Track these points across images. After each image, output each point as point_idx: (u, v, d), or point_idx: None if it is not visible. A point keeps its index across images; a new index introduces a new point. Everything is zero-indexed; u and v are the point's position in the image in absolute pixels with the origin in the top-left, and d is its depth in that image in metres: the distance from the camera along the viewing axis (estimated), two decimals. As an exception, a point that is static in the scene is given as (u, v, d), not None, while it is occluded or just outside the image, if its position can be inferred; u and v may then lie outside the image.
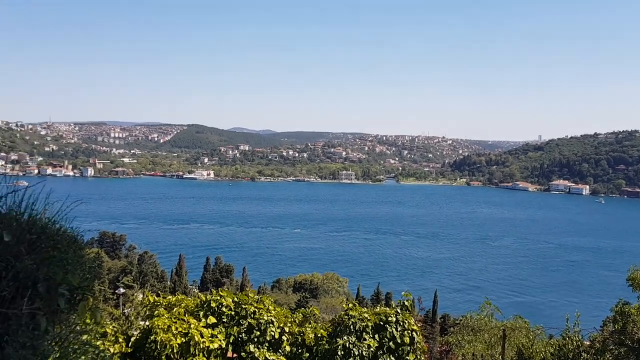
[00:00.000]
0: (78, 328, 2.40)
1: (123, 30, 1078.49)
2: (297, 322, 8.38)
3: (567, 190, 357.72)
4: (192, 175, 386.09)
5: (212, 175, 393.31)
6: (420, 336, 8.31)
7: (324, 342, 7.96)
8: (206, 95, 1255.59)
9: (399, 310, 8.33)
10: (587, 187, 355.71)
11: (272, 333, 7.78)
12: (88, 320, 2.44)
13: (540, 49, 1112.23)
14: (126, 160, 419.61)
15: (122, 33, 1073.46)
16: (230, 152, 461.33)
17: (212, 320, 7.73)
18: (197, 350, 7.25)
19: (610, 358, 12.26)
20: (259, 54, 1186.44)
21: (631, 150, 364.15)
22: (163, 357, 7.10)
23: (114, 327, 7.75)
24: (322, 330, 8.17)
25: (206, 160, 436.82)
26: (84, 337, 2.84)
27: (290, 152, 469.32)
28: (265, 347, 7.69)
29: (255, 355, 7.53)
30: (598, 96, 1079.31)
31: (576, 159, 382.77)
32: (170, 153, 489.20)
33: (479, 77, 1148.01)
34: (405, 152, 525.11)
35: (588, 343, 13.54)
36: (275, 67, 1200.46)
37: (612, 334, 13.04)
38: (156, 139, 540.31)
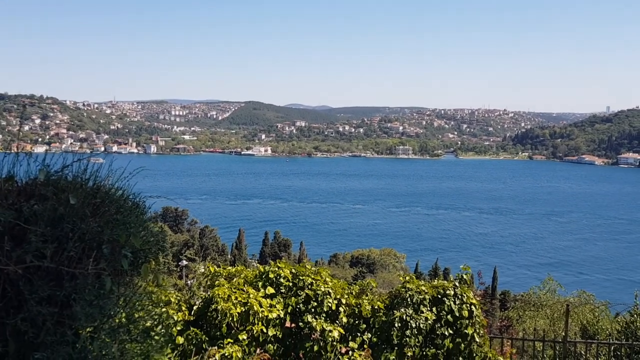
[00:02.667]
0: (141, 290, 2.48)
1: (180, 11, 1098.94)
2: (354, 294, 8.42)
3: (637, 163, 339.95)
4: (250, 152, 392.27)
5: (269, 151, 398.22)
6: (479, 310, 8.18)
7: (380, 314, 7.98)
8: (263, 71, 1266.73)
9: (457, 284, 8.21)
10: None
11: (329, 304, 7.85)
12: (150, 283, 2.53)
13: (608, 9, 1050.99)
14: (186, 137, 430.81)
15: (179, 14, 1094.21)
16: (287, 128, 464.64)
17: (270, 290, 7.88)
18: (256, 319, 7.43)
19: (683, 337, 11.68)
20: (314, 29, 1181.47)
21: None
22: (224, 325, 7.31)
23: (177, 296, 8.03)
24: (379, 303, 8.18)
25: (263, 136, 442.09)
26: (148, 303, 2.95)
27: (347, 128, 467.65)
28: (323, 318, 7.77)
29: (313, 325, 7.63)
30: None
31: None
32: (228, 130, 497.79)
33: (541, 44, 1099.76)
34: (465, 126, 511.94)
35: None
36: (330, 42, 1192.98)
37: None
38: (215, 116, 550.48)
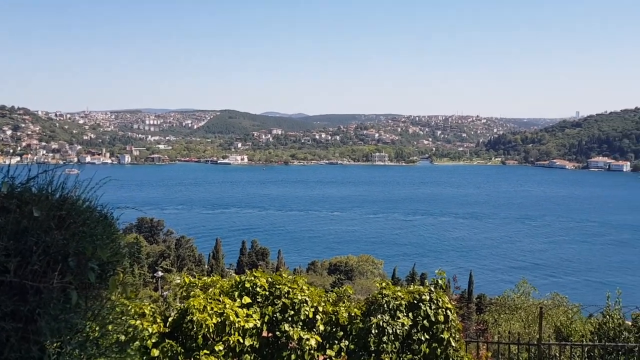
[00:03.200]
0: (109, 303, 2.44)
1: (151, 20, 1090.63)
2: (331, 301, 8.42)
3: (607, 167, 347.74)
4: (226, 161, 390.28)
5: (245, 160, 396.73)
6: (455, 314, 8.24)
7: (357, 321, 7.99)
8: (238, 80, 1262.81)
9: (432, 289, 8.27)
10: (628, 163, 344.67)
11: (306, 312, 7.84)
12: (119, 296, 2.49)
13: (575, 20, 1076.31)
14: (161, 146, 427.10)
15: (151, 23, 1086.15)
16: (263, 136, 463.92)
17: (246, 300, 7.83)
18: (232, 330, 7.37)
19: (654, 337, 11.94)
20: (290, 37, 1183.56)
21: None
22: (200, 336, 7.24)
23: (152, 308, 7.93)
24: (356, 310, 8.19)
25: (239, 145, 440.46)
26: (124, 317, 2.89)
27: (323, 135, 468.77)
28: (299, 326, 7.75)
29: (290, 334, 7.60)
30: (638, 69, 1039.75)
31: (616, 134, 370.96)
32: (204, 139, 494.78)
33: (511, 51, 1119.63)
34: (439, 132, 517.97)
35: (630, 322, 13.23)
36: (305, 50, 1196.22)
37: (656, 312, 12.70)
38: (190, 125, 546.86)
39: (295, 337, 7.58)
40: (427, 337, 7.89)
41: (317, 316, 7.94)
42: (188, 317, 7.33)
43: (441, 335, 7.88)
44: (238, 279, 8.28)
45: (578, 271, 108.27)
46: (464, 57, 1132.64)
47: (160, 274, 59.02)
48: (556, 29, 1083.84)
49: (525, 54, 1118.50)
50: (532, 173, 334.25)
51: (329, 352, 7.73)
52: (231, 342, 7.32)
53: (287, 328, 7.66)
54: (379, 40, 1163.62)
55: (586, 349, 10.05)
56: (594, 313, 14.12)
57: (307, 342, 7.56)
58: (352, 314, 8.08)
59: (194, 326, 7.23)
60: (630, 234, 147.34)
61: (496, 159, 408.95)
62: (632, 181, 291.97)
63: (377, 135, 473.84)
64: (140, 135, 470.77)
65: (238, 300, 7.79)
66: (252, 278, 8.13)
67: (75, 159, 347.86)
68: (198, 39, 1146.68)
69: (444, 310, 8.02)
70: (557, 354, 10.16)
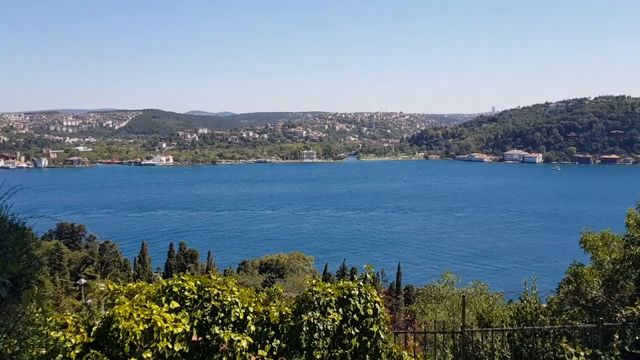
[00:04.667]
0: (25, 317, 2.34)
1: (68, 14, 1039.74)
2: (261, 301, 8.39)
3: (521, 159, 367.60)
4: (150, 161, 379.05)
5: (171, 160, 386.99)
6: (383, 307, 8.45)
7: (289, 319, 8.02)
8: (160, 78, 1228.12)
9: (361, 284, 8.43)
10: (540, 155, 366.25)
11: (237, 314, 7.78)
12: (34, 309, 2.38)
13: (487, 21, 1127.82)
14: (81, 148, 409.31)
15: (67, 17, 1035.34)
16: (189, 136, 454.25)
17: (174, 305, 7.67)
18: (160, 336, 7.19)
19: (566, 318, 12.77)
20: (213, 35, 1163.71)
21: (581, 118, 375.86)
22: (126, 345, 7.02)
23: (74, 317, 7.61)
24: (286, 308, 8.22)
25: (164, 145, 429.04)
26: (41, 329, 2.78)
27: (251, 134, 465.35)
28: (230, 328, 7.69)
29: (221, 336, 7.52)
30: (548, 66, 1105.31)
31: (529, 128, 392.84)
32: (126, 139, 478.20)
33: (432, 52, 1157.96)
34: (365, 129, 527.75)
35: (545, 305, 14.08)
36: (230, 49, 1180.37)
37: (567, 295, 13.59)
38: (111, 125, 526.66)
39: (226, 340, 7.51)
40: (357, 331, 8.03)
41: (248, 317, 7.90)
42: (113, 326, 7.09)
43: (370, 329, 8.04)
44: (165, 284, 8.09)
45: (499, 259, 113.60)
46: (386, 55, 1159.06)
47: (83, 281, 56.65)
48: (471, 29, 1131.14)
49: (444, 52, 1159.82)
50: (454, 166, 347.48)
51: (260, 352, 7.72)
52: (160, 348, 7.14)
53: (217, 331, 7.57)
54: (305, 38, 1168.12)
55: (506, 334, 10.59)
56: (514, 298, 14.90)
57: (239, 344, 7.51)
58: (283, 313, 8.10)
59: (120, 334, 7.01)
60: (545, 221, 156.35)
61: (420, 154, 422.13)
62: (545, 172, 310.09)
63: (304, 133, 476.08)
64: (57, 137, 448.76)
65: (166, 305, 7.61)
66: (180, 282, 7.97)
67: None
68: (118, 37, 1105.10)
69: (372, 303, 8.19)
70: (480, 340, 10.63)
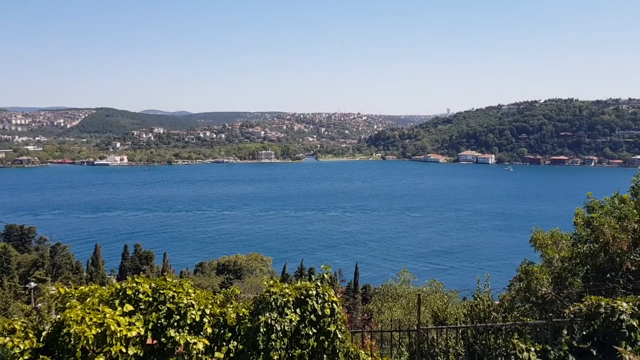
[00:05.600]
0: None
1: (14, 10, 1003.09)
2: (218, 303, 8.31)
3: (475, 160, 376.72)
4: (104, 161, 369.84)
5: (125, 160, 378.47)
6: (341, 307, 8.49)
7: (246, 320, 7.97)
8: (115, 76, 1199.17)
9: (318, 284, 8.45)
10: (493, 156, 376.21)
11: (193, 316, 7.67)
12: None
13: (448, 24, 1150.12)
14: (31, 148, 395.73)
15: (13, 13, 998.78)
16: (144, 135, 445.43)
17: (128, 308, 7.50)
18: (114, 340, 7.03)
19: (518, 314, 13.16)
20: (169, 33, 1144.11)
21: (532, 120, 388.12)
22: (78, 349, 6.83)
23: (23, 322, 7.35)
24: (244, 310, 8.16)
25: (118, 145, 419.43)
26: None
27: (208, 134, 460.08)
28: (186, 331, 7.58)
29: (176, 339, 7.41)
30: (501, 69, 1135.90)
31: (482, 129, 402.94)
32: (79, 139, 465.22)
33: (388, 54, 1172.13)
34: (323, 129, 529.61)
35: (498, 302, 14.47)
36: (188, 47, 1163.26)
37: (518, 292, 14.01)
38: (62, 124, 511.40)
39: (182, 342, 7.40)
40: (314, 331, 8.04)
41: (205, 319, 7.80)
42: (64, 330, 6.88)
43: (328, 329, 8.07)
44: (119, 286, 7.90)
45: (454, 257, 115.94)
46: (344, 57, 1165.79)
47: (33, 284, 54.89)
48: (426, 32, 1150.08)
49: (400, 54, 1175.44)
50: (410, 167, 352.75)
51: (217, 354, 7.64)
52: (113, 352, 6.98)
53: (173, 334, 7.45)
54: (262, 38, 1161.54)
55: (460, 331, 10.82)
56: (468, 296, 15.25)
57: (195, 346, 7.41)
58: (241, 314, 8.05)
59: (72, 339, 6.81)
60: (499, 220, 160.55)
61: (377, 155, 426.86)
62: (498, 172, 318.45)
63: (263, 133, 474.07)
64: (5, 135, 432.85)
65: (119, 308, 7.44)
66: (134, 284, 7.80)
67: None
68: (69, 33, 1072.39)
69: (330, 303, 8.22)
70: (435, 337, 10.83)
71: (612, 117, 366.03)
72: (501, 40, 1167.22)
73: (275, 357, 7.69)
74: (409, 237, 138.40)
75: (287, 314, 7.96)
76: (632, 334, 8.66)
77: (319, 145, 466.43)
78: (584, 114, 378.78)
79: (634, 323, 8.73)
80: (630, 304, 9.00)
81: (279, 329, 7.80)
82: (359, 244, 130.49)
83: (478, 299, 12.94)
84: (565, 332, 9.04)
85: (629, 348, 8.40)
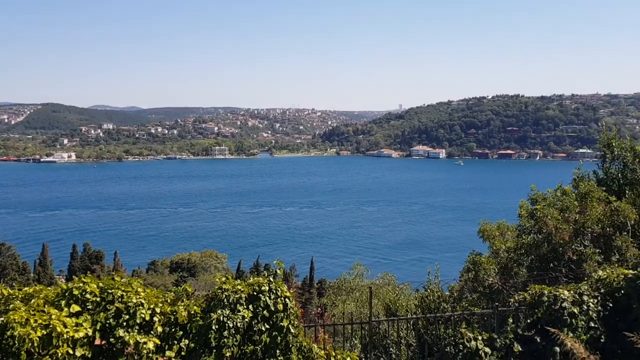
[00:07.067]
0: None
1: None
2: (169, 301, 8.21)
3: (426, 154, 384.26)
4: (51, 158, 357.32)
5: (73, 157, 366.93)
6: (294, 302, 8.55)
7: (197, 318, 7.92)
8: (61, 70, 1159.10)
9: (271, 279, 8.48)
10: (444, 151, 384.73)
11: (143, 315, 7.56)
12: None
13: (400, 22, 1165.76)
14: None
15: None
16: (93, 131, 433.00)
17: (75, 308, 7.33)
18: (60, 341, 6.87)
19: (466, 304, 13.54)
20: (118, 24, 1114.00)
21: (480, 116, 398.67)
22: (23, 352, 6.65)
23: (-38, 327, 7.08)
24: (195, 307, 8.10)
25: (66, 141, 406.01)
26: None
27: (159, 130, 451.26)
28: (136, 330, 7.47)
29: (126, 339, 7.29)
30: (450, 64, 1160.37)
31: (433, 125, 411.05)
32: (24, 135, 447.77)
33: (341, 49, 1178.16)
34: (277, 125, 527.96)
35: (448, 293, 14.85)
36: (137, 41, 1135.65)
37: (467, 283, 14.41)
38: (6, 120, 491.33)
39: (132, 342, 7.29)
40: (267, 326, 8.07)
41: (155, 318, 7.70)
42: (8, 333, 6.68)
43: (281, 324, 8.12)
44: (65, 287, 7.71)
45: (408, 250, 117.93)
46: (297, 52, 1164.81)
47: (-26, 288, 52.56)
48: (379, 29, 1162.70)
49: (354, 51, 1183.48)
50: (364, 162, 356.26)
51: (168, 353, 7.57)
52: (60, 354, 6.82)
53: (122, 333, 7.33)
54: (213, 32, 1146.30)
55: (411, 322, 11.05)
56: (419, 288, 15.60)
57: (145, 346, 7.31)
58: (192, 312, 7.98)
59: (16, 342, 6.62)
60: (451, 213, 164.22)
61: (331, 150, 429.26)
62: (449, 166, 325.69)
63: (216, 128, 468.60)
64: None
65: (66, 309, 7.27)
66: (81, 284, 7.63)
67: None
68: (11, 26, 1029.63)
69: (283, 299, 8.26)
70: (387, 329, 11.03)
71: (556, 112, 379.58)
72: (449, 36, 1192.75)
73: (227, 354, 7.68)
74: (365, 231, 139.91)
75: (239, 311, 7.95)
76: (573, 320, 9.04)
77: (273, 141, 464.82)
78: (530, 109, 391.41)
79: (575, 310, 9.12)
80: (572, 292, 9.40)
81: (231, 325, 7.78)
82: (316, 238, 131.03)
83: (429, 291, 13.25)
84: (511, 320, 9.35)
85: (571, 334, 8.77)
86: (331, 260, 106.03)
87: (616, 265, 11.48)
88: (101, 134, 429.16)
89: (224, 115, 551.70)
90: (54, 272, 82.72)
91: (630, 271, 9.58)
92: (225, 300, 8.00)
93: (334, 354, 8.50)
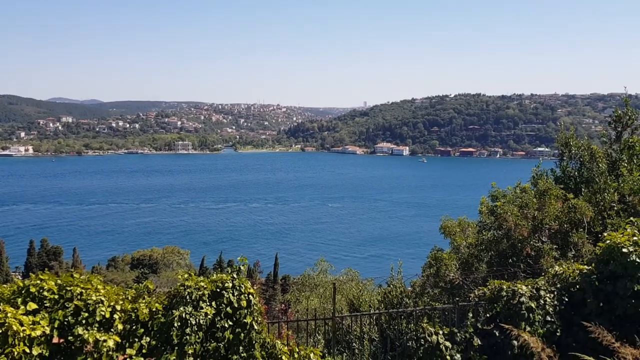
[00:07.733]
0: None
1: None
2: (129, 298, 8.07)
3: (390, 151, 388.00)
4: (7, 152, 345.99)
5: (31, 150, 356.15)
6: (258, 298, 8.53)
7: (159, 315, 7.81)
8: (18, 61, 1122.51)
9: (235, 276, 8.43)
10: (407, 148, 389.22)
11: (102, 313, 7.42)
12: None
13: (366, 21, 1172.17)
14: None
15: None
16: (51, 124, 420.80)
17: (32, 306, 7.14)
18: (16, 340, 6.69)
19: (428, 299, 13.76)
20: (75, 14, 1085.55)
21: (442, 114, 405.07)
22: (-24, 353, 6.45)
23: None
24: (157, 304, 7.99)
25: (23, 134, 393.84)
26: None
27: (120, 123, 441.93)
28: (95, 328, 7.32)
29: (85, 337, 7.14)
30: (414, 63, 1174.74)
31: (397, 122, 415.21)
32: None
33: (307, 45, 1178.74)
34: (242, 120, 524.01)
35: (410, 288, 15.06)
36: (97, 31, 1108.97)
37: (429, 278, 14.65)
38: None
39: (91, 340, 7.15)
40: (230, 323, 8.03)
41: (115, 315, 7.57)
42: (-40, 332, 6.47)
43: (244, 320, 8.08)
44: (21, 284, 7.51)
45: (372, 246, 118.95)
46: (262, 48, 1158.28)
47: None
48: (344, 25, 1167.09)
49: (318, 46, 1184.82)
50: (329, 159, 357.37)
51: (129, 351, 7.45)
52: (16, 353, 6.64)
53: (81, 331, 7.18)
54: (175, 24, 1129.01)
55: (374, 317, 11.16)
56: (382, 284, 15.76)
57: (105, 344, 7.18)
58: (153, 309, 7.88)
59: (-31, 341, 6.42)
60: (415, 209, 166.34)
61: (296, 146, 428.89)
62: (412, 163, 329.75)
63: (179, 123, 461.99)
64: None
65: (22, 307, 7.07)
66: (38, 282, 7.44)
67: None
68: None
69: (246, 295, 8.23)
70: (350, 324, 11.12)
71: (516, 111, 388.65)
72: (412, 34, 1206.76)
73: (190, 352, 7.60)
74: (329, 228, 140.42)
75: (202, 308, 7.89)
76: (530, 314, 9.28)
77: (238, 137, 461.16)
78: (491, 108, 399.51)
79: (532, 305, 9.36)
80: (529, 286, 9.65)
81: (193, 322, 7.71)
82: (280, 235, 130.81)
83: (391, 286, 13.41)
84: (471, 315, 9.53)
85: (528, 328, 9.01)
86: (295, 257, 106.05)
87: (572, 260, 11.82)
88: (60, 128, 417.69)
89: (188, 109, 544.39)
90: (10, 269, 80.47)
91: (586, 266, 9.87)
92: (187, 297, 7.92)
93: (297, 349, 8.52)
